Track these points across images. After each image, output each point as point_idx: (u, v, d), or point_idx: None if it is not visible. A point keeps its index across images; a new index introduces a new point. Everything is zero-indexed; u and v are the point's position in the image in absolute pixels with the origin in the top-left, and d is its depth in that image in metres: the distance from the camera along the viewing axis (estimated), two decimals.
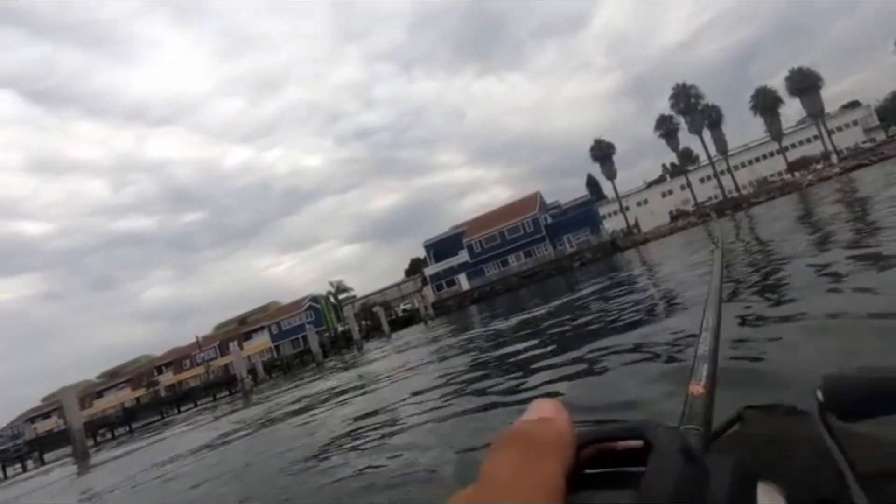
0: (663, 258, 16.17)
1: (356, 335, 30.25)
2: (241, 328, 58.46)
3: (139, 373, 58.37)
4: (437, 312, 44.36)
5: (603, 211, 63.49)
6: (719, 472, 0.19)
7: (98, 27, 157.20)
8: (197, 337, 52.83)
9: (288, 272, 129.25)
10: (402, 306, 51.99)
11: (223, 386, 31.06)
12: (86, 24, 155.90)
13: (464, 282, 51.25)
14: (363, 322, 46.16)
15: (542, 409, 0.23)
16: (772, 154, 61.30)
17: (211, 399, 30.23)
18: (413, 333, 24.58)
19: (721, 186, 54.17)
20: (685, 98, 51.50)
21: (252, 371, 31.54)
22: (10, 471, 23.75)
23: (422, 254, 59.58)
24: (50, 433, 30.95)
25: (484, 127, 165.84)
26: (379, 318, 37.56)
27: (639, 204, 66.97)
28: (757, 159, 63.67)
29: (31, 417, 54.57)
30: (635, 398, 2.82)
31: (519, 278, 45.61)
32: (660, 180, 70.26)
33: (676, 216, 56.17)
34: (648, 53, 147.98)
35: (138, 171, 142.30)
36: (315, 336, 29.81)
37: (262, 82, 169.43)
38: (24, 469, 23.49)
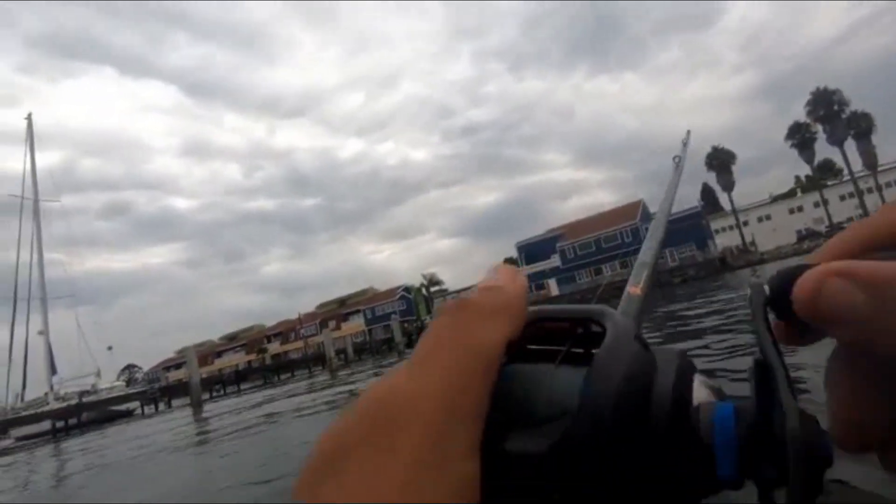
0: None
1: None
2: (339, 309, 63.08)
3: (252, 339, 65.68)
4: None
5: (717, 225, 58.36)
6: (665, 361, 0.20)
7: (248, 29, 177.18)
8: (299, 314, 58.05)
9: (388, 259, 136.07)
10: None
11: (317, 361, 33.99)
12: (238, 26, 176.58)
13: (553, 287, 50.40)
14: None
15: (497, 275, 0.22)
16: None
17: (307, 371, 33.30)
18: None
19: (864, 206, 47.02)
20: (825, 104, 45.41)
21: (343, 351, 34.16)
22: (147, 409, 28.47)
23: (515, 254, 59.53)
24: (179, 382, 36.13)
25: (593, 127, 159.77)
26: None
27: (760, 220, 60.47)
28: None
29: (167, 366, 63.98)
30: None
31: (612, 289, 43.67)
32: (789, 195, 62.73)
33: (805, 236, 49.96)
34: (790, 51, 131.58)
35: (267, 157, 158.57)
36: (399, 325, 31.50)
37: (380, 78, 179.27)
38: (157, 409, 28.07)
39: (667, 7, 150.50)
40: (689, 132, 0.63)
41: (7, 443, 27.43)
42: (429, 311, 58.02)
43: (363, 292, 65.85)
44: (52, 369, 34.36)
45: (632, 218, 47.71)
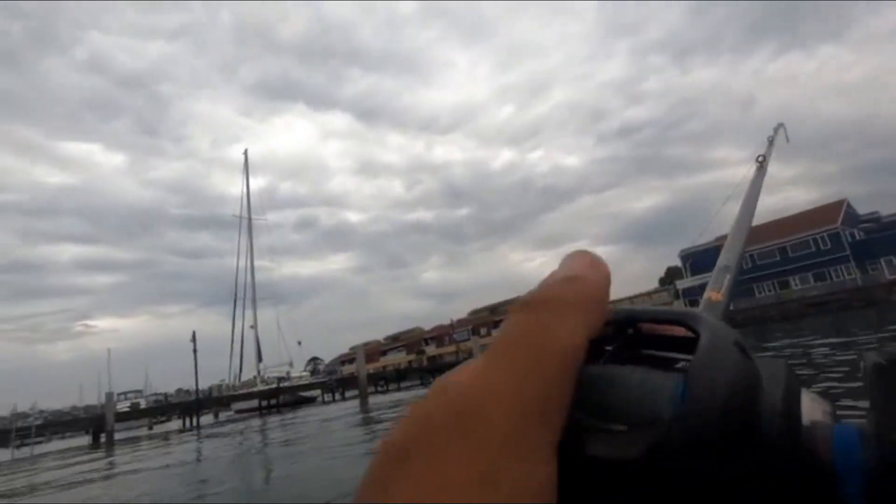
0: None
1: None
2: (491, 316, 64.75)
3: (411, 341, 71.15)
4: None
5: None
6: (772, 373, 0.19)
7: (409, 55, 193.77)
8: (451, 319, 61.08)
9: (539, 267, 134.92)
10: None
11: None
12: (400, 53, 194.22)
13: None
14: None
15: (576, 263, 0.20)
16: None
17: None
18: None
19: None
20: None
21: None
22: (326, 397, 33.11)
23: (679, 262, 54.33)
24: (351, 375, 41.06)
25: (781, 115, 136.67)
26: None
27: None
28: None
29: (343, 360, 72.84)
30: None
31: (802, 305, 37.19)
32: None
33: None
34: None
35: (425, 171, 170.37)
36: None
37: (531, 87, 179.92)
38: (334, 398, 32.47)
39: None
40: (781, 126, 0.52)
41: (230, 413, 34.44)
42: None
43: (513, 301, 65.92)
44: (259, 357, 42.09)
45: (832, 221, 39.90)
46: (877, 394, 0.18)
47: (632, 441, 0.17)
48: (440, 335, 65.84)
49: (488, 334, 60.73)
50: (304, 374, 42.86)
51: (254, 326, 43.60)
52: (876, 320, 17.45)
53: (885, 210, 43.72)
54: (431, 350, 64.70)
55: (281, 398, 32.18)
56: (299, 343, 44.98)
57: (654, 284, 68.78)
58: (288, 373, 39.43)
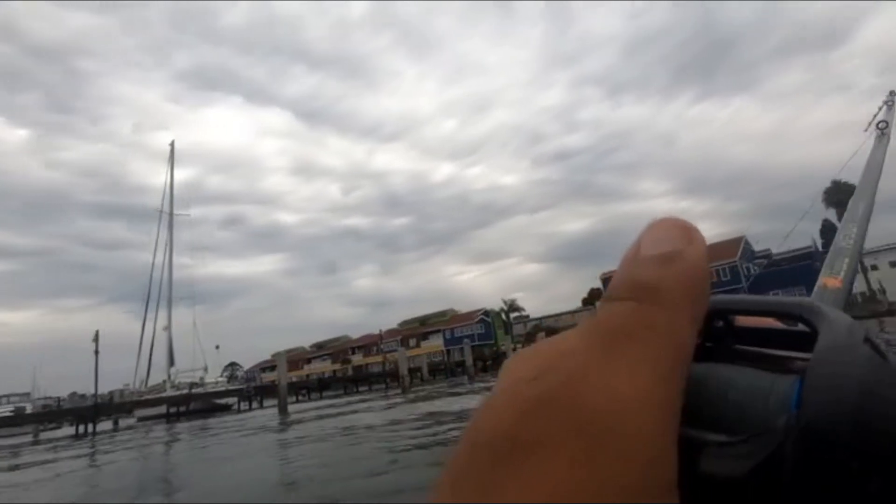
0: None
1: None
2: (420, 328, 64.97)
3: (338, 350, 69.69)
4: None
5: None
6: None
7: (357, 60, 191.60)
8: (380, 330, 60.66)
9: (471, 282, 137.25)
10: None
11: (394, 377, 35.55)
12: (348, 57, 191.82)
13: None
14: (527, 344, 46.97)
15: (667, 235, 0.17)
16: None
17: (384, 385, 34.90)
18: None
19: None
20: None
21: (418, 370, 35.37)
22: (242, 405, 31.65)
23: (599, 284, 57.64)
24: (272, 383, 39.56)
25: (698, 155, 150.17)
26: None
27: (893, 265, 52.96)
28: None
29: (263, 367, 69.87)
30: None
31: None
32: None
33: None
34: None
35: (364, 178, 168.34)
36: (470, 350, 32.18)
37: (475, 105, 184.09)
38: (251, 406, 31.10)
39: (788, 22, 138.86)
40: (894, 92, 0.51)
41: (131, 420, 31.93)
42: (507, 335, 57.77)
43: (443, 313, 67.31)
44: (171, 361, 39.46)
45: (731, 255, 44.32)
46: None
47: (739, 454, 0.15)
48: (368, 344, 65.04)
49: (417, 346, 60.86)
50: (221, 380, 40.70)
51: (167, 328, 40.89)
52: None
53: (778, 248, 49.23)
54: (358, 359, 63.71)
55: (192, 405, 30.35)
56: (217, 347, 42.74)
57: (579, 304, 72.41)
58: (202, 378, 37.31)
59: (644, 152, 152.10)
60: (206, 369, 39.41)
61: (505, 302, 66.43)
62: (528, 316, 69.28)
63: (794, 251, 46.85)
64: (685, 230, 0.17)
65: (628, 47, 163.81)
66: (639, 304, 0.15)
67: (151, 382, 39.24)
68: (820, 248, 49.30)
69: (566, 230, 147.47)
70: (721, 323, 0.19)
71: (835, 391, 0.14)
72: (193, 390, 33.28)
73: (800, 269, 41.50)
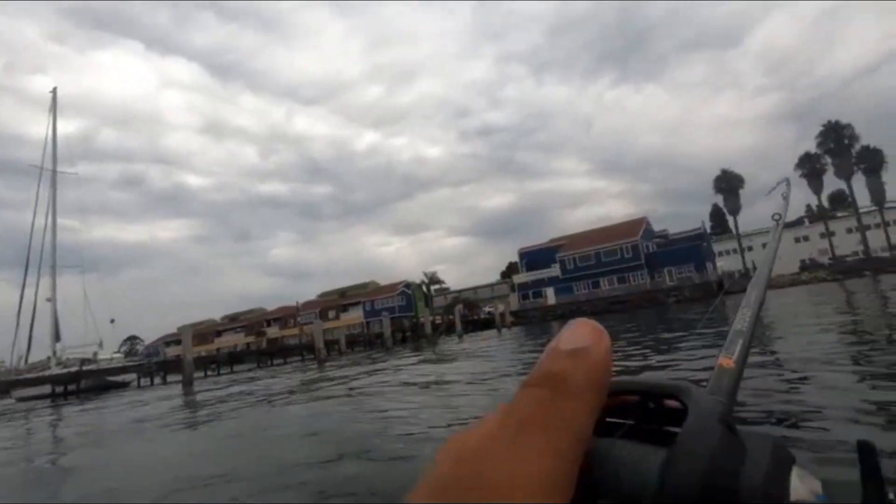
0: (779, 315, 13.41)
1: (428, 330, 32.27)
2: (340, 300, 64.07)
3: (252, 322, 66.96)
4: (518, 322, 44.81)
5: (721, 247, 58.39)
6: (756, 450, 0.18)
7: (273, 13, 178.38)
8: (297, 303, 59.13)
9: (394, 253, 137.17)
10: (486, 309, 53.14)
11: (310, 349, 34.95)
12: (264, 9, 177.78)
13: (551, 296, 50.93)
14: (446, 317, 48.17)
15: (580, 334, 0.21)
16: None
17: (299, 358, 34.21)
18: (483, 339, 25.75)
19: (865, 242, 46.98)
20: (836, 137, 45.43)
21: (336, 342, 35.05)
22: (143, 382, 29.56)
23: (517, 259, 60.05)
24: (176, 358, 37.27)
25: (613, 139, 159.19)
26: (455, 316, 39.22)
27: (765, 246, 60.32)
28: None
29: (168, 341, 65.45)
30: None
31: (607, 303, 44.26)
32: (796, 224, 62.57)
33: (806, 267, 49.97)
34: (818, 78, 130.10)
35: (282, 142, 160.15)
36: (388, 322, 32.52)
37: (401, 73, 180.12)
38: (152, 383, 29.13)
39: (697, 19, 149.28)
40: (788, 182, 0.55)
41: (8, 402, 28.68)
42: (428, 307, 58.66)
43: (364, 285, 66.78)
44: (57, 336, 35.66)
45: (633, 235, 48.01)
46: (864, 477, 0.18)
47: None
48: (285, 316, 63.12)
49: (336, 317, 60.07)
50: (117, 355, 37.62)
51: (51, 298, 36.75)
52: (656, 317, 21.76)
53: (687, 227, 54.00)
54: (274, 332, 61.68)
55: (83, 383, 27.82)
56: (112, 321, 39.18)
57: (498, 277, 75.13)
58: (95, 354, 34.21)
59: (564, 134, 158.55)
60: (100, 344, 36.13)
61: (426, 275, 67.24)
62: (448, 289, 70.81)
63: (686, 232, 51.77)
64: (595, 331, 0.21)
65: (553, 28, 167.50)
66: (550, 391, 0.18)
67: (33, 359, 35.35)
68: (708, 230, 54.96)
69: (488, 205, 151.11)
70: (619, 401, 0.22)
71: (689, 462, 0.17)
72: (86, 367, 30.49)
73: (691, 248, 46.11)
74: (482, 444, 0.17)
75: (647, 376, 0.21)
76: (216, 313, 79.03)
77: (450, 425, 5.14)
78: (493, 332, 35.22)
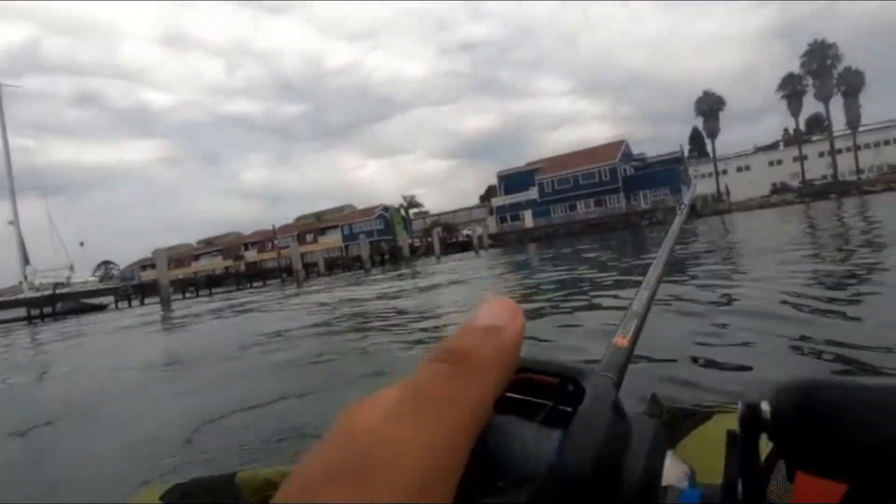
0: (748, 238, 13.61)
1: (406, 252, 32.65)
2: (317, 223, 63.58)
3: (229, 246, 66.42)
4: (495, 244, 45.51)
5: (701, 170, 58.88)
6: (640, 433, 0.20)
7: None
8: (273, 226, 58.44)
9: (372, 176, 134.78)
10: (464, 231, 53.57)
11: (288, 272, 35.18)
12: None
13: (528, 219, 51.47)
14: (425, 240, 48.52)
15: (496, 312, 0.21)
16: None
17: (279, 281, 34.50)
18: (461, 260, 26.24)
19: (835, 165, 48.01)
20: (819, 57, 44.67)
21: (315, 265, 35.29)
22: (121, 305, 29.61)
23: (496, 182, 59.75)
24: (153, 281, 37.18)
25: (597, 58, 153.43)
26: (433, 239, 39.54)
27: (739, 170, 61.23)
28: (888, 142, 53.84)
29: (143, 266, 64.84)
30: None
31: (583, 226, 45.02)
32: (771, 147, 63.12)
33: (776, 190, 51.20)
34: None
35: (250, 55, 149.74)
36: (366, 245, 32.75)
37: None
38: (130, 305, 29.23)
39: None
40: (695, 184, 0.58)
41: None
42: (406, 231, 58.86)
43: (341, 209, 66.09)
44: (25, 259, 34.86)
45: (612, 157, 47.89)
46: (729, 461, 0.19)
47: (508, 499, 0.17)
48: (262, 240, 62.68)
49: (314, 241, 59.94)
50: (92, 279, 37.21)
51: (13, 222, 35.48)
52: (630, 239, 22.33)
53: (655, 152, 53.94)
54: (252, 255, 61.52)
55: (59, 305, 27.71)
56: (81, 244, 38.35)
57: (477, 200, 75.06)
58: (68, 278, 33.77)
59: (548, 50, 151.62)
60: (71, 268, 35.59)
61: (405, 198, 66.67)
62: (427, 212, 70.67)
63: (664, 155, 51.91)
64: (512, 310, 0.21)
65: None
66: (452, 367, 0.18)
67: (2, 286, 34.80)
68: (686, 154, 55.14)
69: (467, 127, 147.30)
70: (525, 376, 0.22)
71: (580, 446, 0.18)
72: (59, 290, 30.21)
73: (667, 171, 46.48)
74: (376, 418, 0.17)
75: (551, 358, 0.23)
76: (191, 238, 78.03)
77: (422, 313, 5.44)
78: (471, 253, 35.82)
